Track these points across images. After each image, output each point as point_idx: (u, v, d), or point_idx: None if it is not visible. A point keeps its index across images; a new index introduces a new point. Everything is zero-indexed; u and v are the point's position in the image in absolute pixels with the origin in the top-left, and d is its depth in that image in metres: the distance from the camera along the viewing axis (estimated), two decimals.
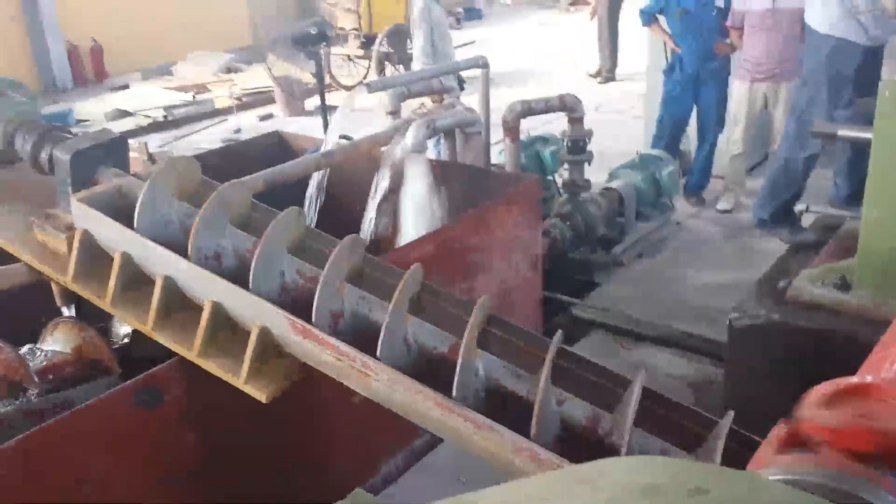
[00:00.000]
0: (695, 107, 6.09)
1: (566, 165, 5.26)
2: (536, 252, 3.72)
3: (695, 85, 5.98)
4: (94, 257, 2.18)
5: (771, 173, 5.27)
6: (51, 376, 2.32)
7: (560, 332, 1.80)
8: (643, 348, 4.18)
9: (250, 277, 1.89)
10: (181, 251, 1.98)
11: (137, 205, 2.02)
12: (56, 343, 2.44)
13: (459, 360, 1.74)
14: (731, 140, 5.94)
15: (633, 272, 5.14)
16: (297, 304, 1.94)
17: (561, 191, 5.39)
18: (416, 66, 6.57)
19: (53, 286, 2.46)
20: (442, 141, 4.48)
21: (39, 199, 2.45)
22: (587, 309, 4.56)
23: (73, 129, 3.18)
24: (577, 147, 5.08)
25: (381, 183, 3.44)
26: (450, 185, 3.49)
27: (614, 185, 5.46)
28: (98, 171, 2.30)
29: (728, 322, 2.91)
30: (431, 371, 1.83)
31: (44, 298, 2.50)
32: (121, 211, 2.12)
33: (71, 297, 2.50)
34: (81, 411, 1.90)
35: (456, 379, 1.73)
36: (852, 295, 2.67)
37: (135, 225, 2.02)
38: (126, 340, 2.62)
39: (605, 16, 10.39)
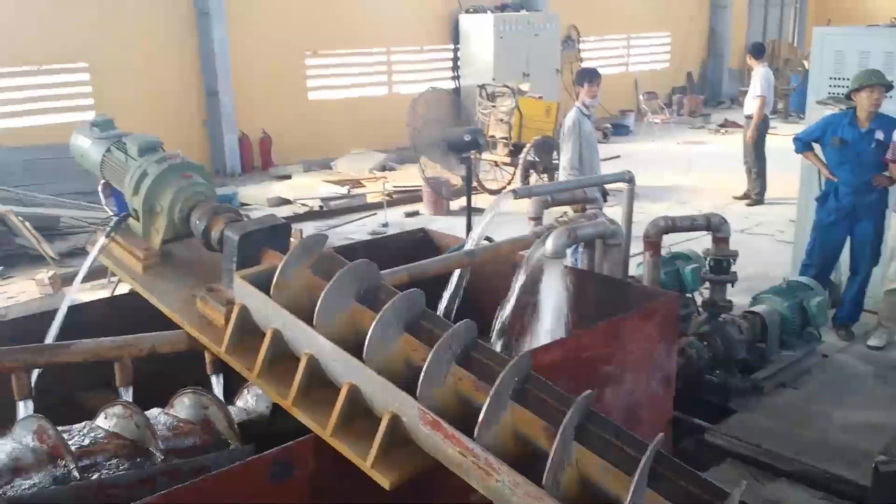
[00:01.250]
0: (849, 238, 5.86)
1: (707, 285, 5.15)
2: (670, 370, 3.63)
3: (849, 216, 5.77)
4: (248, 332, 2.34)
5: None
6: (170, 442, 2.42)
7: (661, 435, 1.77)
8: (778, 483, 3.94)
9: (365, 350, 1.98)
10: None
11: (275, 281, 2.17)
12: (181, 411, 2.55)
13: (553, 450, 1.75)
14: (887, 275, 5.64)
15: (772, 402, 4.89)
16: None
17: (700, 310, 5.27)
18: (562, 176, 6.72)
19: (207, 356, 2.64)
20: (581, 250, 4.52)
21: (205, 273, 2.68)
22: (721, 436, 4.36)
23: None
24: (721, 267, 4.98)
25: (519, 286, 3.50)
26: (586, 295, 3.51)
27: (758, 309, 5.28)
28: (261, 251, 2.49)
29: (874, 465, 2.73)
30: (529, 460, 1.85)
31: (189, 367, 2.66)
32: None
33: (220, 369, 2.67)
34: (217, 476, 2.01)
35: (547, 468, 1.73)
36: None
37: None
38: (247, 417, 2.71)
39: (753, 137, 10.25)
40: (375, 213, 10.16)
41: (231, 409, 2.57)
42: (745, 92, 10.87)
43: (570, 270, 3.62)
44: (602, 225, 3.92)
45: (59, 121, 11.08)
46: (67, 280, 6.56)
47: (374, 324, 2.05)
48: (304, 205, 10.56)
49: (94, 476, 2.14)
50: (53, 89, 11.74)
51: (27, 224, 8.48)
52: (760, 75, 10.20)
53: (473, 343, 2.14)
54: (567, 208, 5.06)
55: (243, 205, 10.54)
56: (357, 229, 9.51)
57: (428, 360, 1.99)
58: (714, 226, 4.88)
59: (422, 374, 1.97)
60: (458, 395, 2.04)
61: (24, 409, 2.24)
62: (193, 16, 12.54)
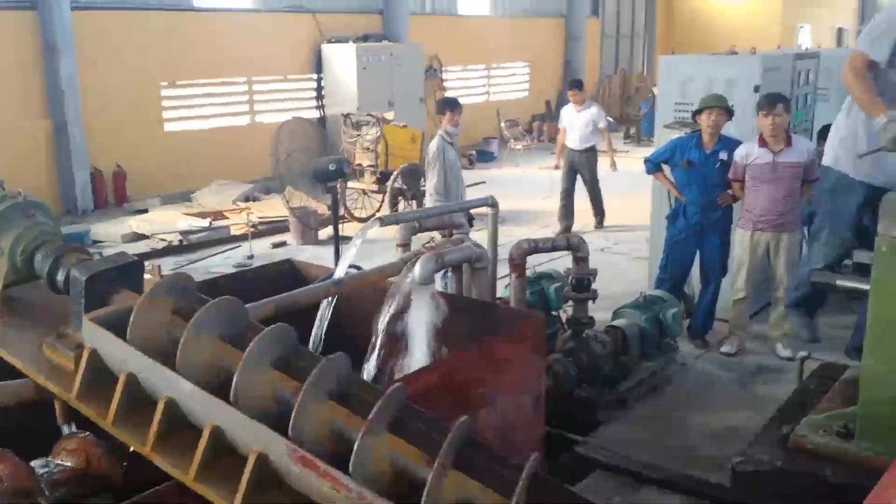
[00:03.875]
0: (698, 252, 6.22)
1: (570, 302, 5.32)
2: (540, 388, 3.71)
3: (698, 233, 6.13)
4: (100, 377, 2.20)
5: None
6: (60, 490, 2.29)
7: (536, 455, 1.81)
8: (646, 491, 4.09)
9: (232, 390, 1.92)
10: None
11: (131, 318, 2.08)
12: (67, 458, 2.40)
13: (429, 479, 1.74)
14: (735, 285, 6.02)
15: (637, 412, 5.10)
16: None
17: (565, 327, 5.43)
18: (429, 202, 6.79)
19: (56, 404, 2.47)
20: (449, 274, 4.57)
21: (54, 317, 2.51)
22: (590, 448, 4.49)
23: (90, 250, 3.28)
24: (582, 285, 5.16)
25: (388, 313, 3.49)
26: (456, 318, 3.54)
27: (618, 323, 5.50)
28: (112, 292, 2.36)
29: (731, 467, 2.88)
30: (409, 491, 1.84)
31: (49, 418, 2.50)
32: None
33: (73, 417, 2.50)
34: None
35: (425, 496, 1.72)
36: (854, 444, 2.65)
37: (127, 336, 2.07)
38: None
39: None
40: (240, 246, 9.90)
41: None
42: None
43: (440, 295, 3.65)
44: (468, 249, 3.97)
45: None
46: None
47: (241, 363, 1.98)
48: (162, 240, 10.13)
49: None
50: None
51: None
52: (598, 108, 10.73)
53: (347, 376, 2.10)
54: (434, 234, 5.11)
55: (96, 242, 10.00)
56: (221, 262, 9.22)
57: (300, 395, 1.93)
58: (574, 246, 5.07)
59: (294, 410, 1.91)
60: (333, 430, 1.99)
61: None
62: (40, 50, 11.86)
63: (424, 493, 1.77)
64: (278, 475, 1.94)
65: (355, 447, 1.84)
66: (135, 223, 10.91)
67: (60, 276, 2.38)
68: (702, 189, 6.05)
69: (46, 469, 2.33)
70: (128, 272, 2.42)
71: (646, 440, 4.66)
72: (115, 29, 12.73)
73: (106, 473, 2.36)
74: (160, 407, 2.03)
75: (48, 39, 11.86)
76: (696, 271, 6.36)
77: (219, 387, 2.04)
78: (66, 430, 2.47)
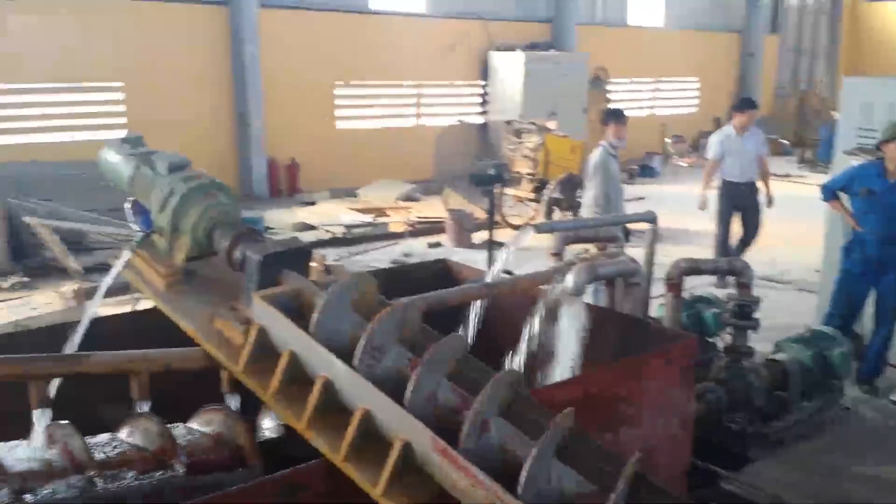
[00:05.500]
0: (874, 289, 5.78)
1: (729, 329, 5.10)
2: (687, 414, 3.58)
3: (876, 268, 5.70)
4: (265, 353, 2.34)
5: None
6: (193, 458, 2.43)
7: (638, 453, 1.74)
8: None
9: (406, 393, 1.97)
10: (345, 358, 2.10)
11: (317, 309, 2.18)
12: (204, 426, 2.56)
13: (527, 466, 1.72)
14: None
15: (791, 453, 4.81)
16: (445, 428, 1.98)
17: (721, 354, 5.21)
18: (586, 213, 6.71)
19: (223, 374, 2.64)
20: (601, 288, 4.50)
21: (227, 292, 2.69)
22: (737, 484, 4.28)
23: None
24: (743, 312, 4.93)
25: (537, 320, 3.48)
26: (605, 333, 3.48)
27: (779, 357, 5.21)
28: (282, 273, 2.50)
29: None
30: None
31: (210, 385, 2.68)
32: (295, 312, 2.29)
33: (237, 388, 2.67)
34: (227, 495, 2.01)
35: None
36: None
37: (310, 328, 2.17)
38: (270, 436, 2.73)
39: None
40: (398, 243, 10.21)
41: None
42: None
43: (590, 307, 3.60)
44: (623, 263, 3.90)
45: (92, 138, 11.27)
46: (91, 294, 6.62)
47: (419, 367, 2.02)
48: (328, 231, 10.64)
49: (113, 486, 2.14)
50: (88, 107, 11.98)
51: (55, 237, 8.59)
52: (762, 133, 9.08)
53: (514, 393, 2.10)
54: (589, 245, 5.04)
55: (268, 228, 10.63)
56: (379, 257, 9.54)
57: (472, 410, 1.95)
58: (737, 270, 4.84)
59: (466, 423, 1.94)
60: (500, 446, 2.00)
61: (41, 417, 2.25)
62: (228, 41, 12.77)
63: (521, 478, 1.77)
64: (419, 464, 1.99)
65: (526, 468, 1.83)
66: (304, 213, 11.52)
67: (237, 255, 2.53)
68: (882, 221, 5.62)
69: (189, 435, 2.47)
70: (297, 257, 2.55)
71: (797, 483, 4.38)
72: (297, 27, 13.50)
73: (241, 445, 2.48)
74: (317, 386, 2.13)
75: (236, 34, 12.76)
76: (869, 310, 5.91)
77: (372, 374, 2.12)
78: (230, 399, 2.64)
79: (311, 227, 10.90)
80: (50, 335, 2.97)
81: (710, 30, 20.98)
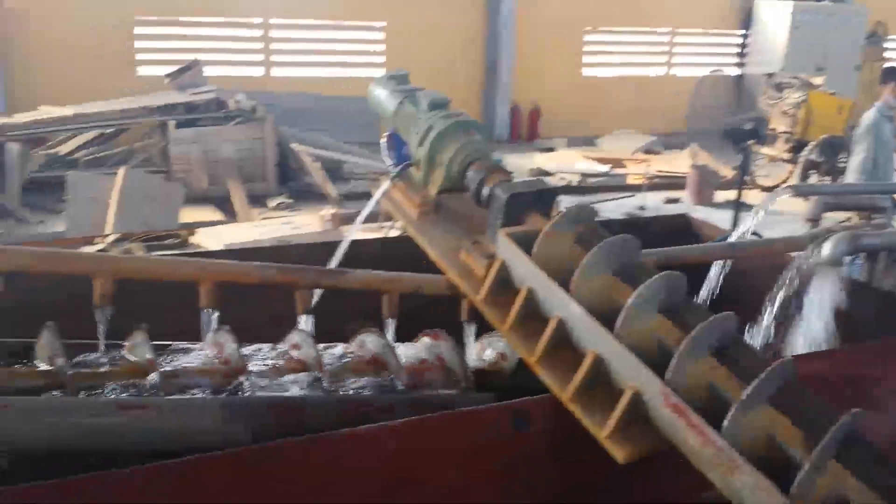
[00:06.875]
0: None
1: None
2: None
3: None
4: (503, 287, 2.44)
5: None
6: (412, 377, 2.58)
7: None
8: None
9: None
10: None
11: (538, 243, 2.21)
12: (422, 350, 2.71)
13: (810, 462, 1.64)
14: None
15: None
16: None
17: None
18: (850, 179, 6.15)
19: (463, 303, 2.79)
20: (860, 261, 4.14)
21: (471, 227, 2.82)
22: None
23: None
24: None
25: (784, 289, 3.29)
26: (861, 310, 3.22)
27: None
28: (526, 213, 2.57)
29: None
30: (773, 466, 1.76)
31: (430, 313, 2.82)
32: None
33: (473, 317, 2.82)
34: (463, 414, 2.14)
35: (799, 478, 1.63)
36: None
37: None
38: (479, 364, 2.83)
39: None
40: (633, 196, 9.99)
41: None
42: None
43: (846, 281, 3.34)
44: (890, 236, 3.56)
45: (353, 74, 12.07)
46: (345, 219, 7.20)
47: (630, 299, 2.05)
48: (563, 178, 10.66)
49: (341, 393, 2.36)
50: (351, 45, 12.81)
51: (317, 164, 9.39)
52: None
53: (730, 337, 2.06)
54: (850, 214, 4.64)
55: None
56: (613, 209, 9.43)
57: (683, 344, 1.95)
58: None
59: (675, 357, 1.94)
60: (707, 386, 1.99)
61: (304, 323, 2.52)
62: None
63: (797, 479, 1.69)
64: (647, 414, 1.99)
65: (731, 411, 1.81)
66: (541, 159, 11.62)
67: (485, 192, 2.64)
68: None
69: (405, 356, 2.62)
70: (542, 198, 2.60)
71: None
72: None
73: (457, 371, 2.61)
74: (552, 324, 2.19)
75: None
76: None
77: (606, 319, 2.13)
78: (467, 327, 2.79)
79: (548, 174, 10.97)
80: (309, 251, 3.29)
81: None
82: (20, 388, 2.09)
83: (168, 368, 2.28)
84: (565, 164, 11.35)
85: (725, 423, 1.82)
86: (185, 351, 2.44)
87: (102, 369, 2.26)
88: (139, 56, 12.43)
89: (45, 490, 1.65)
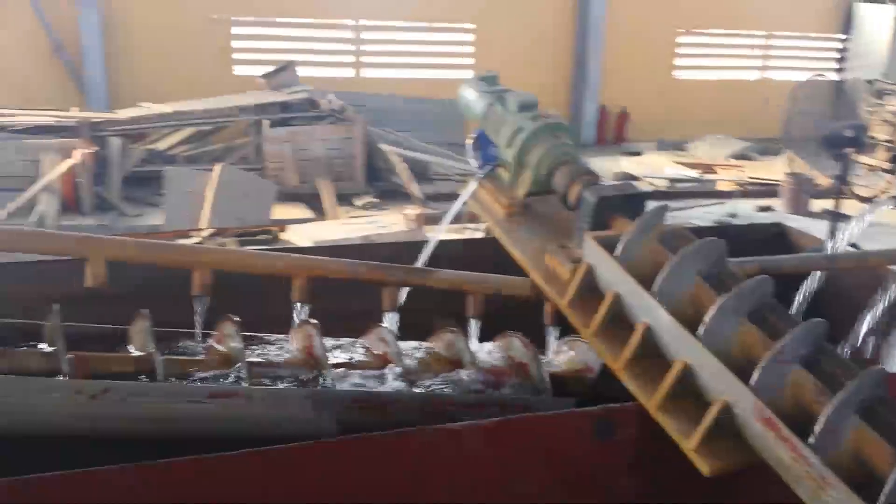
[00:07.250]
0: None
1: None
2: None
3: None
4: (589, 292, 2.42)
5: None
6: (490, 377, 2.57)
7: None
8: None
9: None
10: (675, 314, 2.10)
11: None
12: (502, 352, 2.69)
13: (891, 481, 1.58)
14: None
15: None
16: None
17: None
18: None
19: (546, 306, 2.78)
20: None
21: (557, 230, 2.80)
22: None
23: None
24: None
25: (883, 302, 3.16)
26: None
27: None
28: (613, 217, 2.54)
29: None
30: (863, 482, 1.70)
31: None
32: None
33: (556, 321, 2.79)
34: (544, 418, 2.13)
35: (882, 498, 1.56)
36: None
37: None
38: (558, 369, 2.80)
39: None
40: (723, 203, 9.72)
41: None
42: None
43: None
44: None
45: (441, 76, 12.16)
46: (430, 219, 7.27)
47: (716, 305, 2.01)
48: (650, 183, 10.46)
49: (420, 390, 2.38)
50: (440, 46, 12.90)
51: (404, 165, 9.50)
52: None
53: (821, 346, 1.99)
54: None
55: None
56: (701, 215, 9.20)
57: (770, 354, 1.90)
58: None
59: (760, 366, 1.89)
60: (796, 397, 1.93)
61: (388, 320, 2.55)
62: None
63: (883, 494, 1.63)
64: (735, 426, 1.95)
65: (820, 424, 1.75)
66: (628, 163, 11.43)
67: (572, 195, 2.62)
68: None
69: (490, 356, 2.63)
70: (630, 202, 2.57)
71: None
72: None
73: (534, 374, 2.56)
74: (638, 330, 2.16)
75: None
76: None
77: (692, 325, 2.09)
78: (551, 331, 2.77)
79: (634, 178, 10.77)
80: (394, 250, 3.33)
81: None
82: (116, 372, 2.20)
83: (255, 359, 2.36)
84: (653, 168, 11.14)
85: (812, 438, 1.76)
86: (271, 343, 2.52)
87: (193, 357, 2.36)
88: (235, 56, 12.84)
89: (136, 472, 1.72)
